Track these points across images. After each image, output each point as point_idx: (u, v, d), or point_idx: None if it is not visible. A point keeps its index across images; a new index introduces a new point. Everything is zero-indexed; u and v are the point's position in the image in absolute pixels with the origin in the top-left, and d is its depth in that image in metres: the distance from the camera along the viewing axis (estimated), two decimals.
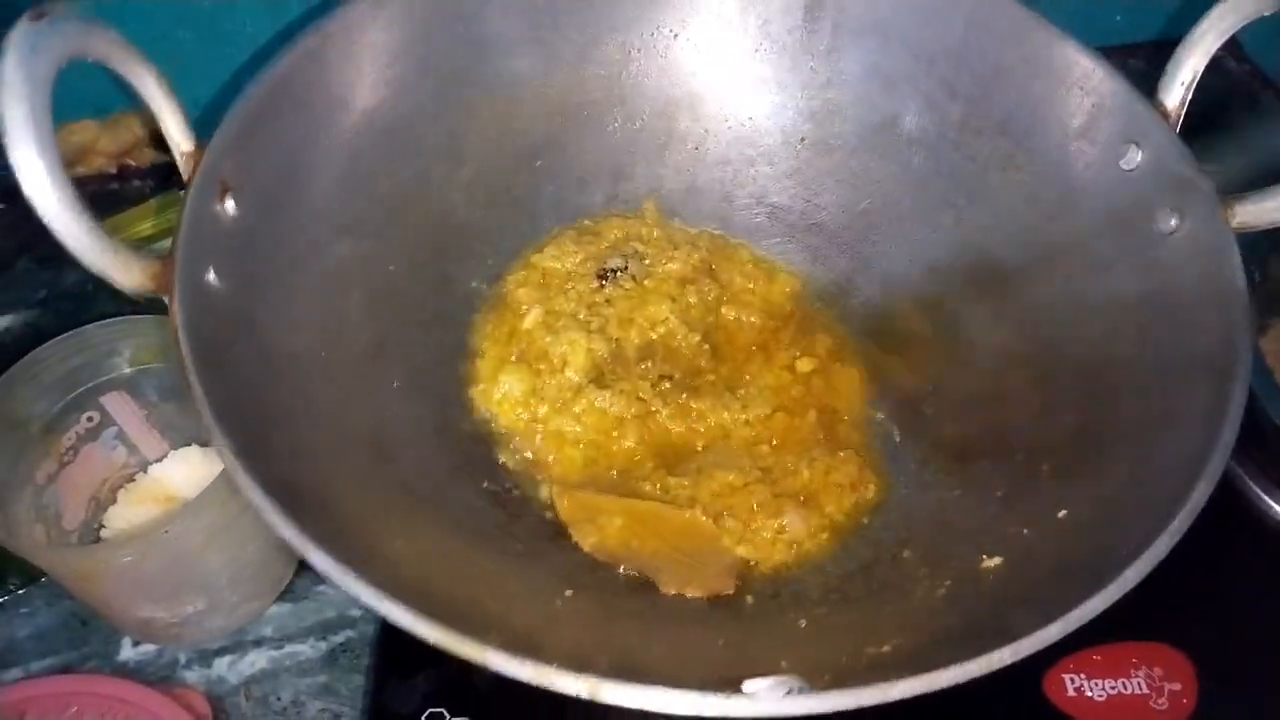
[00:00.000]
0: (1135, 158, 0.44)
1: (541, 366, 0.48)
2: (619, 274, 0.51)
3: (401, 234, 0.47)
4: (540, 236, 0.52)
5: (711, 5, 0.51)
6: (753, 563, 0.43)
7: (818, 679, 0.30)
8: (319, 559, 0.30)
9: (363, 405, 0.42)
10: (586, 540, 0.43)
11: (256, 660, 0.46)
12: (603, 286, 0.51)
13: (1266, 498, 0.50)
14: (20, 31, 0.30)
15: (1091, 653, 0.45)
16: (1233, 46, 0.72)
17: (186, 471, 0.49)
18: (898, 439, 0.48)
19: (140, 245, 0.58)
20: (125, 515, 0.48)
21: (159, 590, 0.43)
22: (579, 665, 0.29)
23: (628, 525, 0.43)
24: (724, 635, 0.38)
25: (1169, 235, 0.42)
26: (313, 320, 0.41)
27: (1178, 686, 0.44)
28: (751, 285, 0.53)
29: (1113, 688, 0.44)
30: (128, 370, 0.47)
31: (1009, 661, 0.30)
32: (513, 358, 0.48)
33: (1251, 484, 0.50)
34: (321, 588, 0.49)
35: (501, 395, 0.47)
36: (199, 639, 0.46)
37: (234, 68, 0.57)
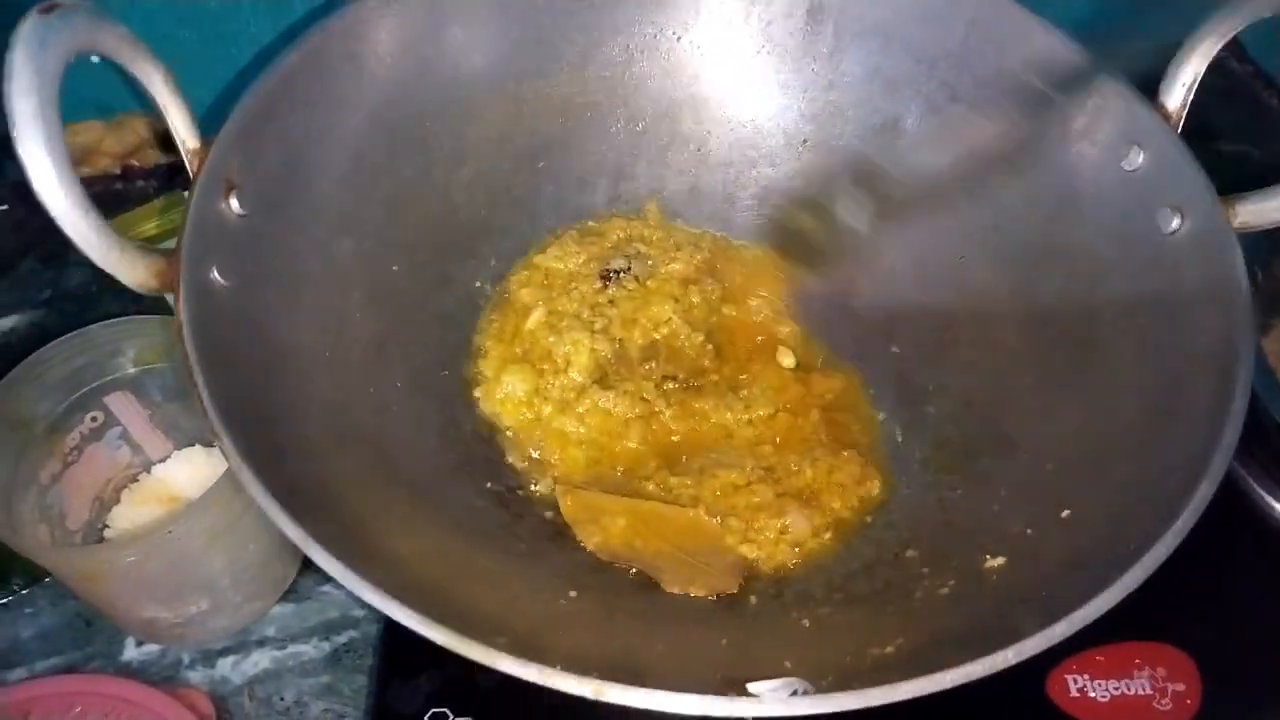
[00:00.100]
0: (1137, 159, 0.44)
1: (545, 366, 0.48)
2: (622, 275, 0.51)
3: (404, 233, 0.47)
4: (542, 237, 0.53)
5: (714, 7, 0.51)
6: (756, 562, 0.43)
7: (821, 679, 0.30)
8: (324, 558, 0.30)
9: (365, 404, 0.42)
10: (590, 540, 0.43)
11: (260, 660, 0.46)
12: (605, 287, 0.51)
13: (1269, 498, 0.50)
14: (29, 25, 0.30)
15: (1094, 653, 0.45)
16: (1235, 47, 0.72)
17: (190, 472, 0.49)
18: (900, 438, 0.48)
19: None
20: (129, 515, 0.48)
21: (162, 590, 0.43)
22: (583, 666, 0.29)
23: (631, 525, 0.43)
24: (727, 635, 0.38)
25: (1171, 235, 0.43)
26: (316, 319, 0.41)
27: (1181, 687, 0.44)
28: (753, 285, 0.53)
29: (1116, 688, 0.44)
30: (132, 370, 0.47)
31: (1013, 662, 0.30)
32: (516, 357, 0.48)
33: (1254, 484, 0.50)
34: (324, 588, 0.49)
35: (505, 395, 0.47)
36: (202, 639, 0.46)
37: (237, 68, 0.57)
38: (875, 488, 0.46)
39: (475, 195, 0.50)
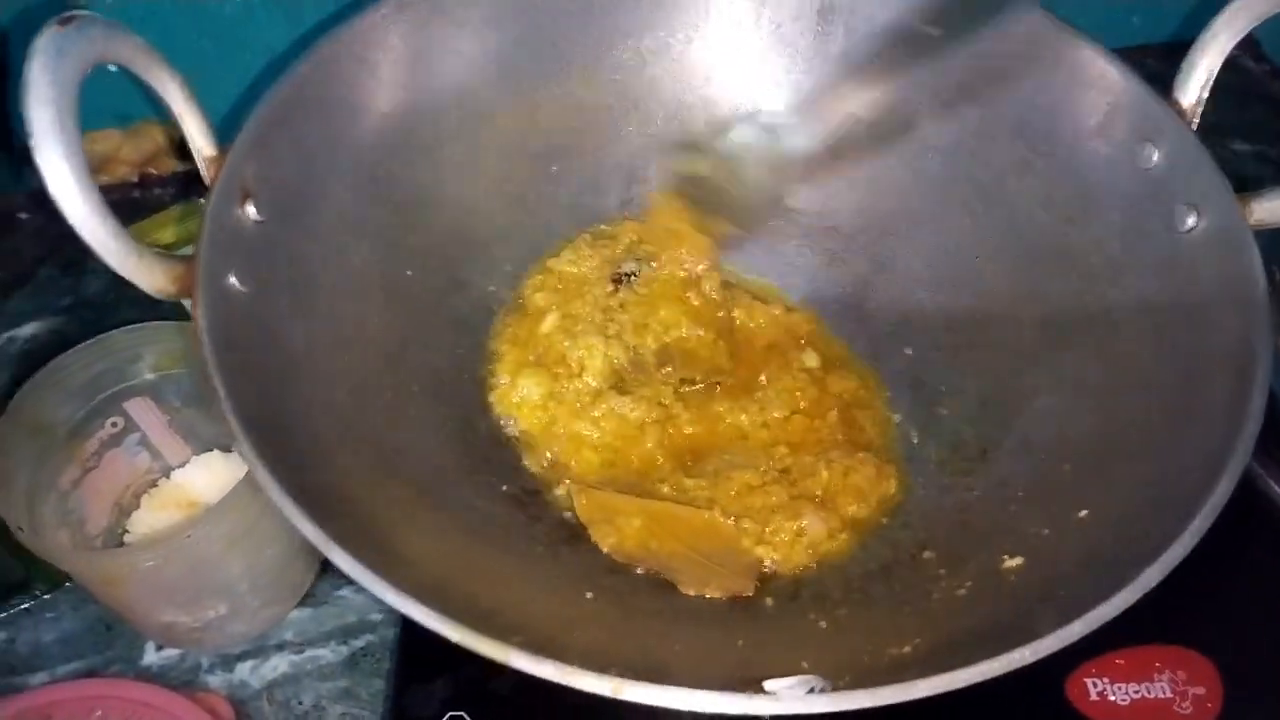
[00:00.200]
0: (1152, 157, 0.44)
1: (559, 370, 0.48)
2: (633, 278, 0.51)
3: (418, 239, 0.47)
4: (555, 241, 0.53)
5: (724, 9, 0.52)
6: (772, 564, 0.43)
7: (838, 679, 0.30)
8: (343, 559, 0.30)
9: (381, 408, 0.42)
10: (605, 541, 0.43)
11: (278, 665, 0.47)
12: (617, 290, 0.51)
13: None
14: (47, 36, 0.30)
15: (1114, 656, 0.44)
16: (1251, 46, 0.72)
17: (208, 477, 0.50)
18: (915, 440, 0.48)
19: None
20: (148, 520, 0.48)
21: (181, 595, 0.44)
22: (601, 665, 0.29)
23: (646, 526, 0.43)
24: (744, 636, 0.38)
25: (1187, 234, 0.42)
26: (331, 324, 0.42)
27: (1202, 690, 0.44)
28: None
29: (1136, 692, 0.44)
30: (150, 376, 0.47)
31: (1030, 660, 0.30)
32: (531, 361, 0.48)
33: (1273, 484, 0.50)
34: (342, 592, 0.49)
35: (520, 399, 0.47)
36: (221, 643, 0.47)
37: (251, 76, 0.57)
38: (891, 489, 0.46)
39: (488, 200, 0.50)
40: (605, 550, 0.42)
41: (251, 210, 0.38)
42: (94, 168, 0.62)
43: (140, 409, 0.48)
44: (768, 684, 0.29)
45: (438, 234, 0.48)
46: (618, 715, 0.30)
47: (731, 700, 0.28)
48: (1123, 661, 0.44)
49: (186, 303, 0.35)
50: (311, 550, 0.45)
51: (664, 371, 0.49)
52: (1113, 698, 0.44)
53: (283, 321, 0.39)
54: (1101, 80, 0.46)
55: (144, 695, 0.43)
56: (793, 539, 0.43)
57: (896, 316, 0.52)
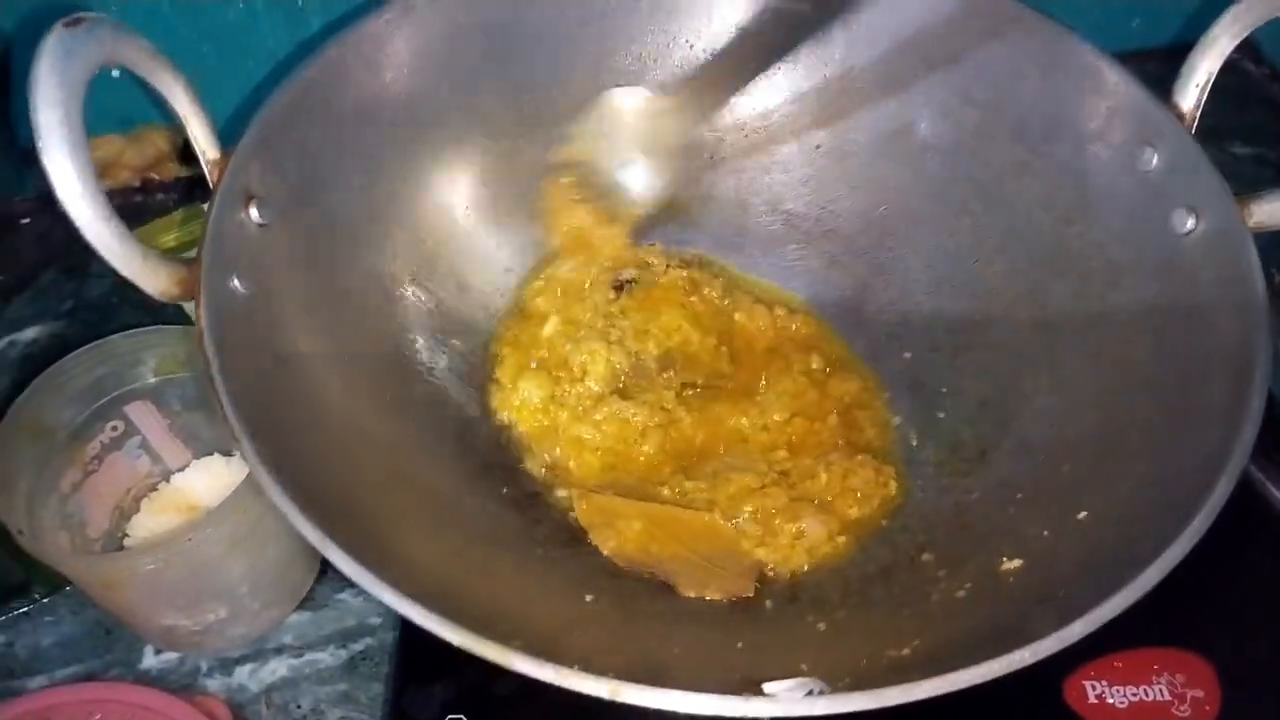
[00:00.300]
0: (1151, 160, 0.44)
1: (560, 374, 0.48)
2: (634, 284, 0.51)
3: (421, 242, 0.47)
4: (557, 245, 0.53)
5: (726, 14, 0.52)
6: (771, 566, 0.43)
7: (837, 681, 0.30)
8: (343, 561, 0.30)
9: (383, 411, 0.42)
10: (605, 544, 0.43)
11: (277, 668, 0.46)
12: (618, 297, 0.51)
13: None
14: (54, 38, 0.31)
15: (1113, 659, 0.44)
16: (1250, 49, 0.72)
17: (209, 481, 0.50)
18: (915, 441, 0.48)
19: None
20: (148, 524, 0.48)
21: (181, 598, 0.43)
22: (600, 668, 0.29)
23: (646, 529, 0.43)
24: (743, 638, 0.38)
25: (1186, 236, 0.42)
26: (333, 326, 0.42)
27: (1200, 693, 0.44)
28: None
29: (1134, 694, 0.44)
30: (152, 380, 0.47)
31: (1030, 661, 0.30)
32: (532, 365, 0.48)
33: (1271, 487, 0.50)
34: (341, 596, 0.49)
35: (521, 402, 0.47)
36: (220, 647, 0.47)
37: (254, 81, 0.58)
38: (890, 491, 0.46)
39: (492, 203, 0.51)
40: (605, 553, 0.43)
41: (255, 213, 0.39)
42: (97, 173, 0.62)
43: (141, 413, 0.48)
44: (766, 686, 0.29)
45: (439, 237, 0.48)
46: (620, 716, 0.30)
47: (730, 703, 0.28)
48: (1121, 664, 0.44)
49: (189, 305, 0.35)
50: (311, 553, 0.46)
51: (665, 376, 0.49)
52: (1111, 700, 0.44)
53: (285, 324, 0.39)
54: (1101, 83, 0.46)
55: (143, 699, 0.42)
56: (792, 541, 0.43)
57: (895, 318, 0.52)
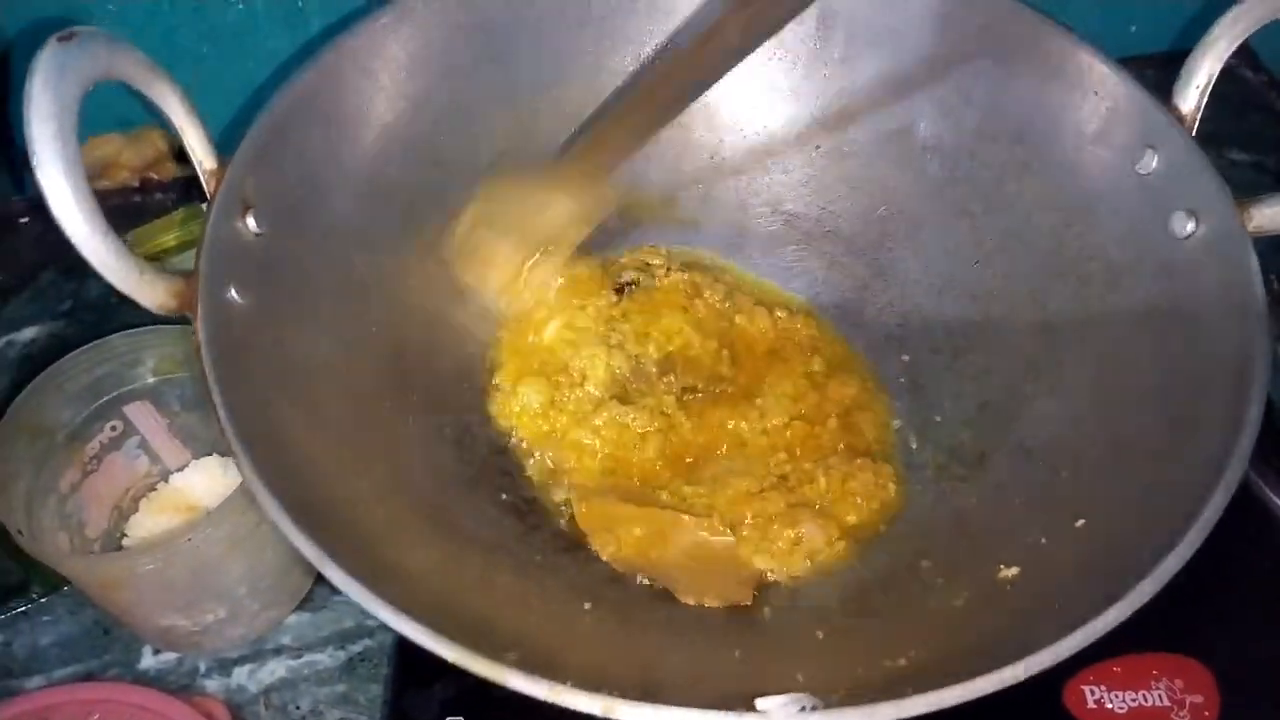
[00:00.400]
0: (1151, 162, 0.44)
1: (560, 379, 0.48)
2: (634, 287, 0.51)
3: (418, 247, 0.47)
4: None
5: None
6: (770, 573, 0.43)
7: (834, 692, 0.30)
8: (338, 576, 0.30)
9: (382, 418, 0.42)
10: (605, 550, 0.43)
11: (276, 669, 0.47)
12: (619, 300, 0.51)
13: None
14: (48, 53, 0.31)
15: (1112, 664, 0.44)
16: (1248, 56, 0.71)
17: (207, 481, 0.50)
18: (914, 445, 0.48)
19: (164, 257, 0.58)
20: (147, 524, 0.49)
21: (180, 598, 0.44)
22: (596, 682, 0.29)
23: (646, 535, 0.43)
24: (741, 647, 0.38)
25: (1185, 240, 0.42)
26: (332, 334, 0.42)
27: (1199, 699, 0.44)
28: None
29: (1133, 700, 0.44)
30: (151, 380, 0.47)
31: (1023, 678, 0.30)
32: (532, 369, 0.48)
33: (1271, 493, 0.50)
34: (340, 597, 0.48)
35: (520, 407, 0.47)
36: (219, 647, 0.47)
37: (256, 83, 0.58)
38: (889, 495, 0.46)
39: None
40: (604, 558, 0.43)
41: (252, 222, 0.39)
42: (96, 173, 0.63)
43: (140, 413, 0.48)
44: (759, 703, 0.29)
45: (437, 242, 0.48)
46: None
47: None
48: (1120, 669, 0.44)
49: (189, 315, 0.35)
50: None
51: (666, 380, 0.49)
52: (1110, 705, 0.44)
53: (283, 332, 0.39)
54: (1101, 85, 0.46)
55: (141, 699, 0.43)
56: (791, 547, 0.43)
57: (895, 319, 0.52)
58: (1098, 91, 0.46)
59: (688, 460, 0.47)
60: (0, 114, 0.56)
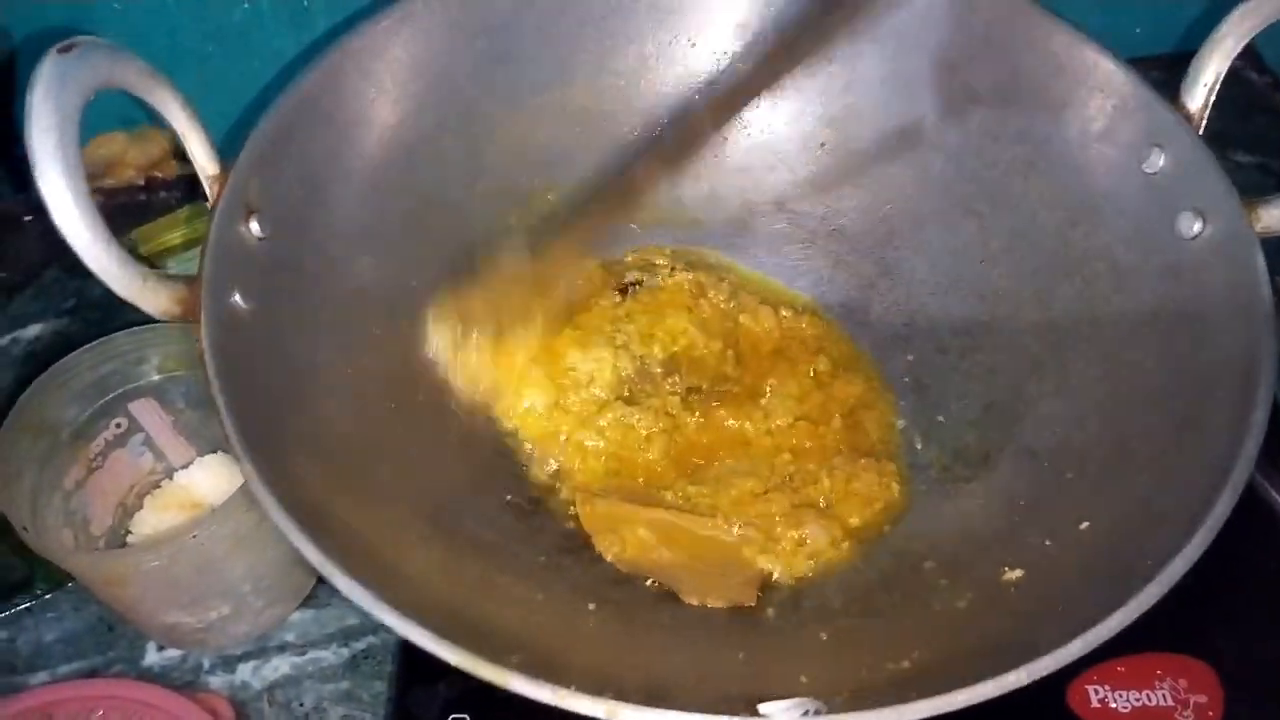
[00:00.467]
0: (1158, 161, 0.44)
1: (565, 381, 0.48)
2: (638, 287, 0.51)
3: (422, 249, 0.47)
4: None
5: (727, 13, 0.51)
6: (774, 574, 0.43)
7: (837, 695, 0.30)
8: (340, 580, 0.30)
9: (385, 419, 0.42)
10: (609, 550, 0.43)
11: (280, 666, 0.47)
12: (623, 300, 0.51)
13: None
14: (49, 64, 0.31)
15: (1115, 664, 0.44)
16: (1253, 57, 0.71)
17: (212, 478, 0.50)
18: (919, 446, 0.48)
19: (169, 255, 0.59)
20: (151, 521, 0.49)
21: (185, 595, 0.44)
22: (600, 683, 0.29)
23: (650, 535, 0.43)
24: (744, 648, 0.38)
25: (1192, 240, 0.42)
26: (336, 337, 0.42)
27: (1203, 699, 0.44)
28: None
29: (1137, 699, 0.44)
30: (155, 377, 0.47)
31: (1025, 682, 0.30)
32: (536, 371, 0.48)
33: (1276, 495, 0.49)
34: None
35: (525, 408, 0.47)
36: (223, 644, 0.47)
37: (261, 82, 0.57)
38: (893, 496, 0.46)
39: (492, 208, 0.50)
40: (609, 559, 0.43)
41: (255, 227, 0.38)
42: (100, 171, 0.63)
43: (144, 410, 0.48)
44: (762, 707, 0.29)
45: (442, 244, 0.48)
46: None
47: None
48: (1124, 669, 0.44)
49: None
50: None
51: (670, 381, 0.49)
52: (1114, 705, 0.44)
53: (287, 336, 0.39)
54: (1107, 84, 0.45)
55: (145, 695, 0.43)
56: (795, 548, 0.43)
57: (901, 319, 0.52)
58: (1104, 89, 0.45)
59: (692, 461, 0.47)
60: (5, 115, 0.56)
